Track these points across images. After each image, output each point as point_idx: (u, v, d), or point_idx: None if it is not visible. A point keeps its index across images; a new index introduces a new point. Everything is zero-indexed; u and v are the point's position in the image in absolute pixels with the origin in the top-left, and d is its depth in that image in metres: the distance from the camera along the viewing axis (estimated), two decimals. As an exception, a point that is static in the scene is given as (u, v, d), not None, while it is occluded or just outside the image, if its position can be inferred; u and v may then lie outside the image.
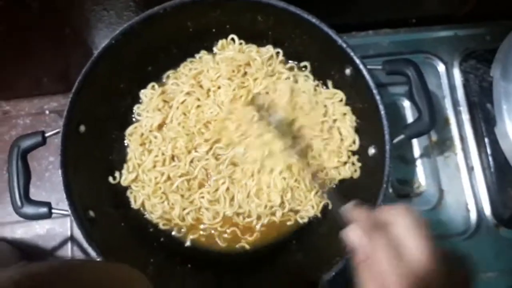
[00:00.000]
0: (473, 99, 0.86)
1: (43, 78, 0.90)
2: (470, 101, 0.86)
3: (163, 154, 0.76)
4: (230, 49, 0.79)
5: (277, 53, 0.79)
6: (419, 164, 0.85)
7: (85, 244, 0.65)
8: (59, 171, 0.65)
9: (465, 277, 0.45)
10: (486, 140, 0.83)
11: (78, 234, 0.65)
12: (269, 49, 0.78)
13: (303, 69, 0.80)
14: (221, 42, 0.79)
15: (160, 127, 0.78)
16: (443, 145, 0.85)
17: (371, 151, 0.71)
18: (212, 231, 0.76)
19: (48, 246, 0.83)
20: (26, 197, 0.67)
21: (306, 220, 0.75)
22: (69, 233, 0.83)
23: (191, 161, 0.76)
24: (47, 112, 0.90)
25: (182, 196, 0.75)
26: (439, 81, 0.88)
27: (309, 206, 0.75)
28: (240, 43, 0.79)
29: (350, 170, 0.75)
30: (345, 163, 0.75)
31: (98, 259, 0.64)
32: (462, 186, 0.83)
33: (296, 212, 0.76)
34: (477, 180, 0.83)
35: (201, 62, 0.80)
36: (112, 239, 0.70)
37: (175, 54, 0.79)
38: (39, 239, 0.83)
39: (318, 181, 0.73)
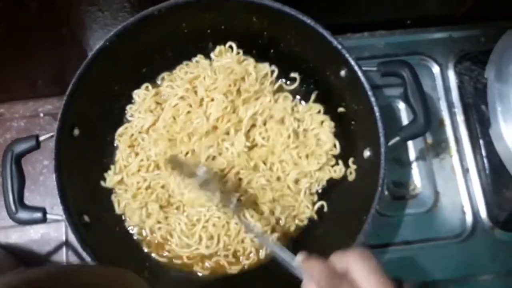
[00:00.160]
0: (467, 101, 0.86)
1: (38, 81, 0.89)
2: (465, 103, 0.86)
3: (148, 159, 0.75)
4: (228, 56, 0.78)
5: (272, 71, 0.79)
6: (414, 166, 0.84)
7: (80, 249, 0.64)
8: (53, 176, 0.65)
9: None
10: (481, 141, 0.83)
11: (73, 238, 0.64)
12: (266, 67, 0.78)
13: (289, 82, 0.80)
14: (218, 48, 0.79)
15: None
16: (438, 147, 0.85)
17: (366, 153, 0.71)
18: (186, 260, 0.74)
19: (43, 251, 0.82)
20: (20, 203, 0.66)
21: (306, 222, 0.75)
22: (64, 238, 0.82)
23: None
24: (41, 115, 0.90)
25: (161, 207, 0.74)
26: (434, 83, 0.88)
27: (303, 207, 0.75)
28: (238, 53, 0.78)
29: (341, 172, 0.75)
30: (332, 165, 0.76)
31: (94, 264, 0.63)
32: (457, 188, 0.83)
33: (294, 217, 0.75)
34: (472, 182, 0.83)
35: (197, 67, 0.79)
36: (107, 243, 0.69)
37: (170, 56, 0.79)
38: (34, 244, 0.82)
39: (256, 236, 0.69)
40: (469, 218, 0.81)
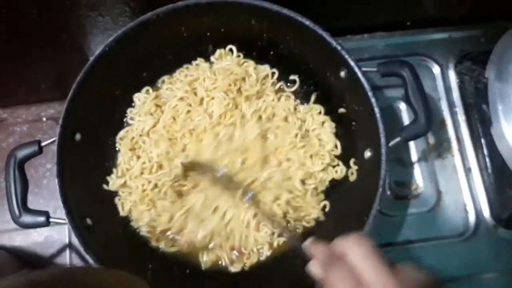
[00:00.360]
0: (468, 101, 0.86)
1: (40, 86, 0.90)
2: (466, 103, 0.86)
3: (150, 161, 0.75)
4: (228, 59, 0.79)
5: (273, 73, 0.79)
6: (416, 166, 0.84)
7: (84, 251, 0.65)
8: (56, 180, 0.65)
9: (434, 284, 0.46)
10: (483, 141, 0.83)
11: (76, 241, 0.65)
12: (266, 68, 0.79)
13: (289, 85, 0.80)
14: (219, 51, 0.79)
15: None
16: (440, 146, 0.85)
17: (367, 154, 0.71)
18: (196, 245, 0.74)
19: (47, 253, 0.83)
20: (24, 207, 0.67)
21: (313, 223, 0.75)
22: (67, 240, 0.83)
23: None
24: (44, 119, 0.90)
25: (172, 202, 0.74)
26: (434, 83, 0.88)
27: (310, 208, 0.75)
28: (238, 55, 0.79)
29: (342, 172, 0.75)
30: (334, 166, 0.76)
31: (97, 266, 0.64)
32: (460, 187, 0.83)
33: (301, 219, 0.75)
34: (474, 181, 0.83)
35: (197, 70, 0.80)
36: (109, 246, 0.69)
37: (170, 59, 0.79)
38: (37, 246, 0.83)
39: (277, 224, 0.72)
40: (471, 217, 0.81)
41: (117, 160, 0.77)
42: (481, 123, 0.84)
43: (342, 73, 0.72)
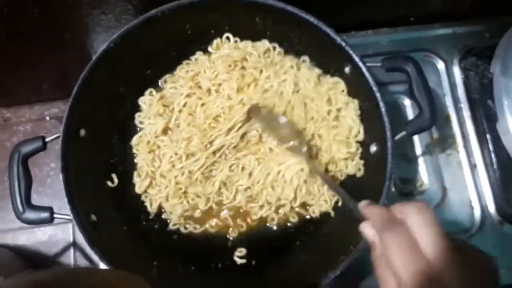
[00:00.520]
0: (473, 96, 0.86)
1: (43, 85, 0.90)
2: (471, 98, 0.86)
3: (176, 154, 0.75)
4: (226, 47, 0.78)
5: (274, 47, 0.78)
6: (421, 162, 0.84)
7: (88, 250, 0.65)
8: (60, 177, 0.65)
9: (486, 262, 0.46)
10: (488, 136, 0.83)
11: (80, 240, 0.65)
12: (265, 43, 0.78)
13: (303, 62, 0.79)
14: (216, 41, 0.79)
15: (165, 131, 0.77)
16: (445, 142, 0.85)
17: (373, 148, 0.71)
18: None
19: (51, 252, 0.83)
20: (27, 202, 0.67)
21: (317, 214, 0.75)
22: (71, 239, 0.83)
23: (213, 153, 0.75)
24: (47, 118, 0.91)
25: (203, 187, 0.75)
26: (439, 79, 0.88)
27: (322, 201, 0.74)
28: (236, 41, 0.78)
29: (356, 166, 0.74)
30: (353, 156, 0.74)
31: (101, 267, 0.63)
32: (465, 183, 0.83)
33: (308, 206, 0.75)
34: (480, 177, 0.83)
35: (197, 64, 0.79)
36: (114, 242, 0.69)
37: (173, 56, 0.79)
38: (42, 245, 0.83)
39: (328, 179, 0.72)
40: (477, 213, 0.81)
41: (126, 160, 0.77)
42: (486, 118, 0.83)
43: (347, 69, 0.72)
